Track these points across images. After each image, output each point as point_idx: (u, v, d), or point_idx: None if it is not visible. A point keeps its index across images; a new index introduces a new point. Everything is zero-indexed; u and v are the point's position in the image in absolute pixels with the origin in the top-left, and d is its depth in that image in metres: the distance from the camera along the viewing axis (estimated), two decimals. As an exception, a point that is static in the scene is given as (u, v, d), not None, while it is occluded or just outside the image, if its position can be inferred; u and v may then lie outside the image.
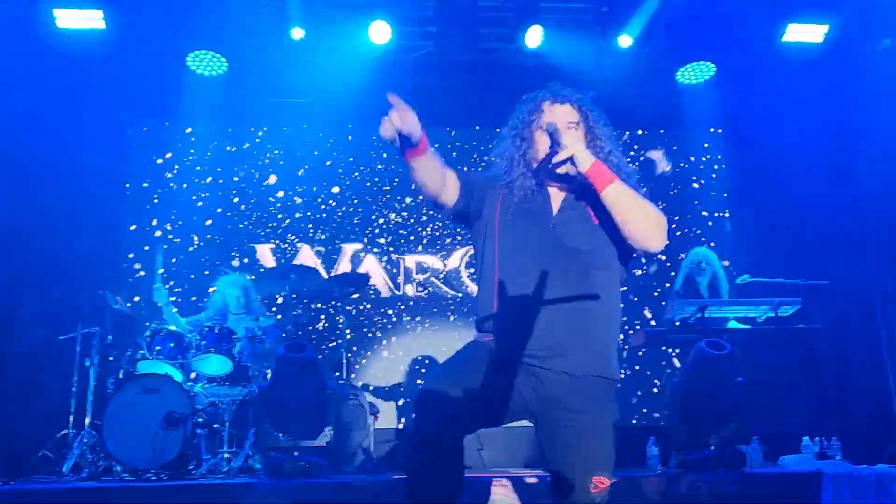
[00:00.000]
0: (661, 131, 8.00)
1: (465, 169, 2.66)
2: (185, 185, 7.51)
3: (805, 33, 6.66)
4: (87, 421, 5.34)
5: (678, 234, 7.76)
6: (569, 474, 2.33)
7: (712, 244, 7.21)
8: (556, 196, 2.53)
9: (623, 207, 2.37)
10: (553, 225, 2.46)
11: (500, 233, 2.49)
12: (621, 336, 7.15)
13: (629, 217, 2.37)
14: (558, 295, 2.37)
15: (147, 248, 7.20)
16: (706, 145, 8.01)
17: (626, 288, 7.36)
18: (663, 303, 7.13)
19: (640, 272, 7.55)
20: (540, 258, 2.40)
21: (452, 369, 2.35)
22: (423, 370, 7.23)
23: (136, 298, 6.84)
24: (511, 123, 2.61)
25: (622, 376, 7.30)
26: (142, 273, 7.21)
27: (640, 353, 7.30)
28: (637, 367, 7.41)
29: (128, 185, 7.46)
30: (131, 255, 7.28)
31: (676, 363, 7.19)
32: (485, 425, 2.40)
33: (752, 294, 5.95)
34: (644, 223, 2.38)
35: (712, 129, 7.95)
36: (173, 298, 6.52)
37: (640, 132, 7.98)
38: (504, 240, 2.48)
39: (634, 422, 7.26)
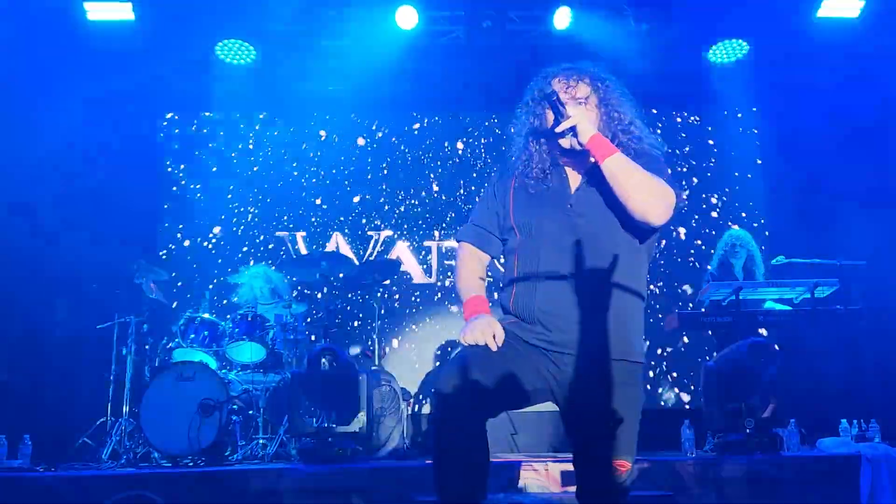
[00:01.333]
0: (687, 112, 7.91)
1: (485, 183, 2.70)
2: (214, 170, 7.58)
3: (840, 8, 6.49)
4: (124, 409, 5.42)
5: (713, 214, 7.69)
6: (591, 457, 2.31)
7: (752, 225, 7.12)
8: (573, 175, 2.49)
9: (622, 179, 2.31)
10: (570, 204, 2.43)
11: (515, 218, 2.48)
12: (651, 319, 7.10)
13: (628, 187, 2.31)
14: (576, 278, 2.34)
15: (179, 236, 7.31)
16: (740, 126, 7.90)
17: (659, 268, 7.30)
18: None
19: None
20: (558, 240, 2.38)
21: (472, 353, 2.33)
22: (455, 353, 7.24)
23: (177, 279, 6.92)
24: (524, 101, 2.57)
25: (660, 358, 7.28)
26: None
27: (674, 336, 7.24)
28: (671, 350, 7.35)
29: (159, 175, 7.54)
30: (162, 253, 7.39)
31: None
32: (507, 408, 2.39)
33: (789, 275, 5.86)
34: (643, 194, 2.31)
35: (746, 109, 7.82)
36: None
37: (672, 112, 7.90)
38: (521, 224, 2.47)
39: (668, 404, 7.22)
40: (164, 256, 7.31)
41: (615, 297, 2.36)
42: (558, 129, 2.36)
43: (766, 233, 7.43)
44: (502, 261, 2.61)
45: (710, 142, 7.90)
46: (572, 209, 2.41)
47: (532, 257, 2.41)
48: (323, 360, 4.92)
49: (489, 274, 2.75)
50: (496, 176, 2.65)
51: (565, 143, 2.40)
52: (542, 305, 2.35)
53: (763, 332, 5.57)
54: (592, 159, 2.37)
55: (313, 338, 6.68)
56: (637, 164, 2.35)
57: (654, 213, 2.32)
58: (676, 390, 7.32)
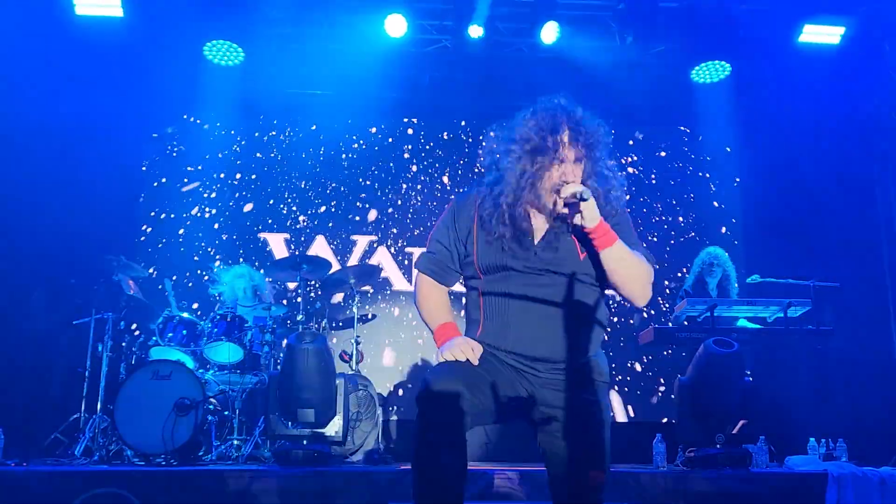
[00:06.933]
0: (668, 130, 8.02)
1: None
2: (199, 172, 7.57)
3: (821, 34, 6.62)
4: (98, 405, 5.39)
5: (692, 233, 7.79)
6: (564, 470, 2.37)
7: (732, 243, 7.21)
8: (539, 219, 2.50)
9: (619, 270, 2.43)
10: (535, 252, 2.46)
11: (480, 261, 2.51)
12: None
13: (622, 276, 2.44)
14: (544, 318, 2.42)
15: (163, 241, 7.30)
16: (720, 145, 8.01)
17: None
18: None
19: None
20: (524, 286, 2.44)
21: (455, 364, 2.39)
22: (433, 362, 7.27)
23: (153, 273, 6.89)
24: (519, 137, 2.45)
25: (639, 371, 7.34)
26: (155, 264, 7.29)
27: (649, 351, 7.32)
28: (646, 365, 7.43)
29: (143, 173, 7.53)
30: (140, 240, 7.36)
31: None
32: (487, 421, 2.45)
33: (763, 294, 5.95)
34: (635, 283, 2.46)
35: (726, 129, 7.93)
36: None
37: (653, 129, 8.00)
38: (486, 267, 2.50)
39: (641, 418, 7.29)
40: (144, 254, 7.28)
41: (582, 332, 2.46)
42: (572, 220, 2.36)
43: (742, 251, 7.53)
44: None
45: (690, 159, 8.01)
46: (537, 257, 2.46)
47: (499, 301, 2.47)
48: (300, 362, 4.92)
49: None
50: (455, 205, 2.63)
51: (573, 218, 2.39)
52: (513, 345, 2.44)
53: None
54: (565, 212, 2.38)
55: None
56: (623, 241, 2.42)
57: (641, 299, 2.49)
58: (655, 399, 7.40)
